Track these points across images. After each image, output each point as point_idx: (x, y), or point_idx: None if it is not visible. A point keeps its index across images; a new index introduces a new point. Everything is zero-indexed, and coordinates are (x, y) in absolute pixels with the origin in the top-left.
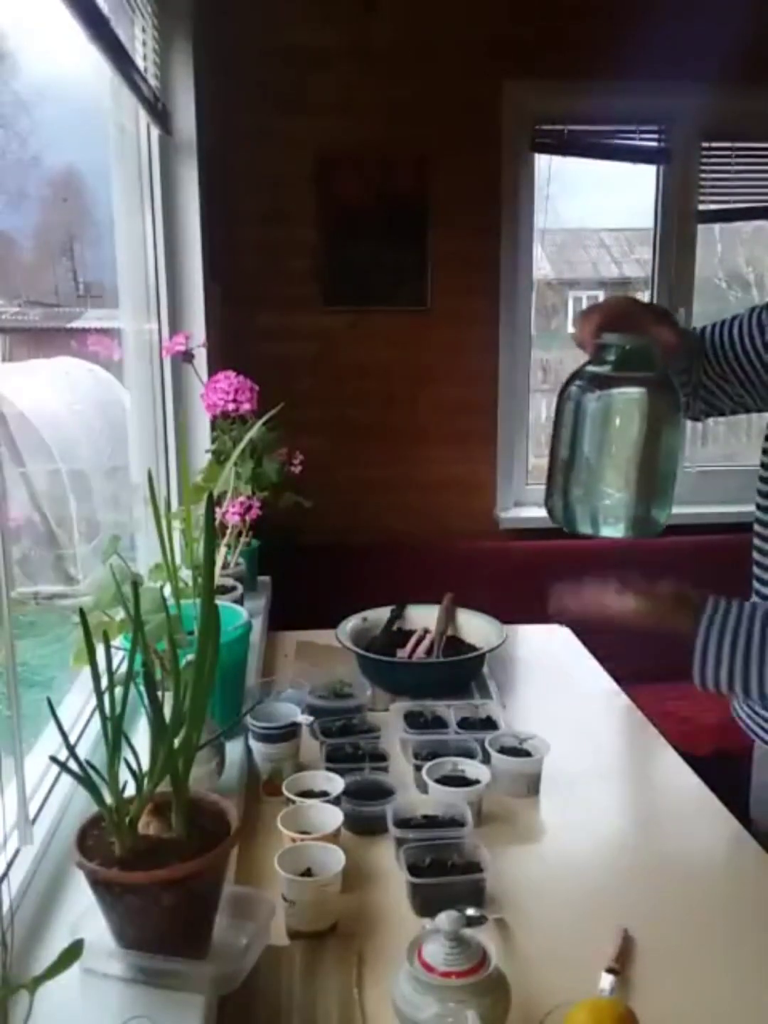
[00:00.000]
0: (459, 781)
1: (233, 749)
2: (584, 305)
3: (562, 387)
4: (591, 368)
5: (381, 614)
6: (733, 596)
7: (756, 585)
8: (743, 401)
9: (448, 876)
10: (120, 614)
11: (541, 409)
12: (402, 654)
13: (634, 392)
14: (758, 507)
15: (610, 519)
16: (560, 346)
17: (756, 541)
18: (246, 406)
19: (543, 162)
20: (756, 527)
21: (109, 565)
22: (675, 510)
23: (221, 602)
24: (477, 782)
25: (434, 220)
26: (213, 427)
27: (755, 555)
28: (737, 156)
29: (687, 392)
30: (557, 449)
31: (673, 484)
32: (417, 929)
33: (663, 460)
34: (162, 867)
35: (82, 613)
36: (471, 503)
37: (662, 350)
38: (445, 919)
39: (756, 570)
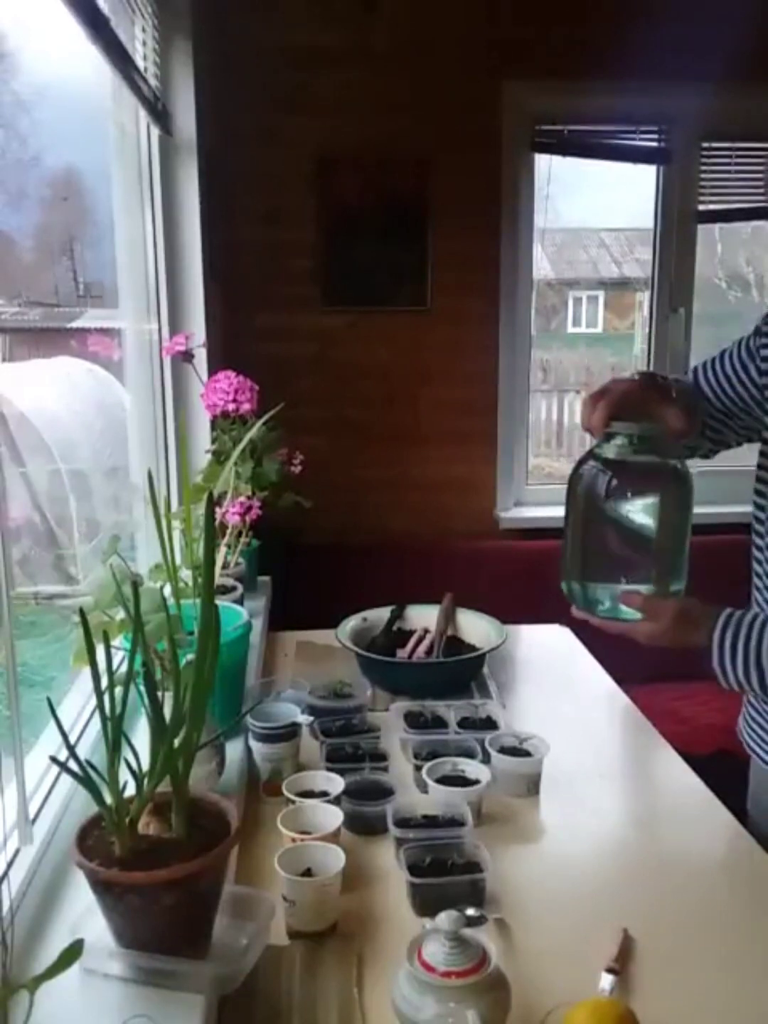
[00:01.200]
0: (459, 781)
1: (233, 749)
2: (584, 304)
3: (575, 467)
4: (603, 452)
5: (381, 614)
6: (733, 598)
7: (756, 584)
8: (748, 432)
9: (448, 876)
10: (120, 614)
11: (541, 409)
12: (402, 654)
13: (649, 498)
14: (755, 511)
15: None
16: (560, 346)
17: (755, 551)
18: (246, 406)
19: (543, 162)
20: (755, 526)
21: (109, 565)
22: None
23: (221, 602)
24: (477, 782)
25: (434, 220)
26: (213, 427)
27: (755, 562)
28: (737, 156)
29: (693, 435)
30: (573, 533)
31: (687, 558)
32: (417, 929)
33: (677, 541)
34: (162, 867)
35: (82, 613)
36: (471, 503)
37: (671, 434)
38: (445, 919)
39: (756, 581)
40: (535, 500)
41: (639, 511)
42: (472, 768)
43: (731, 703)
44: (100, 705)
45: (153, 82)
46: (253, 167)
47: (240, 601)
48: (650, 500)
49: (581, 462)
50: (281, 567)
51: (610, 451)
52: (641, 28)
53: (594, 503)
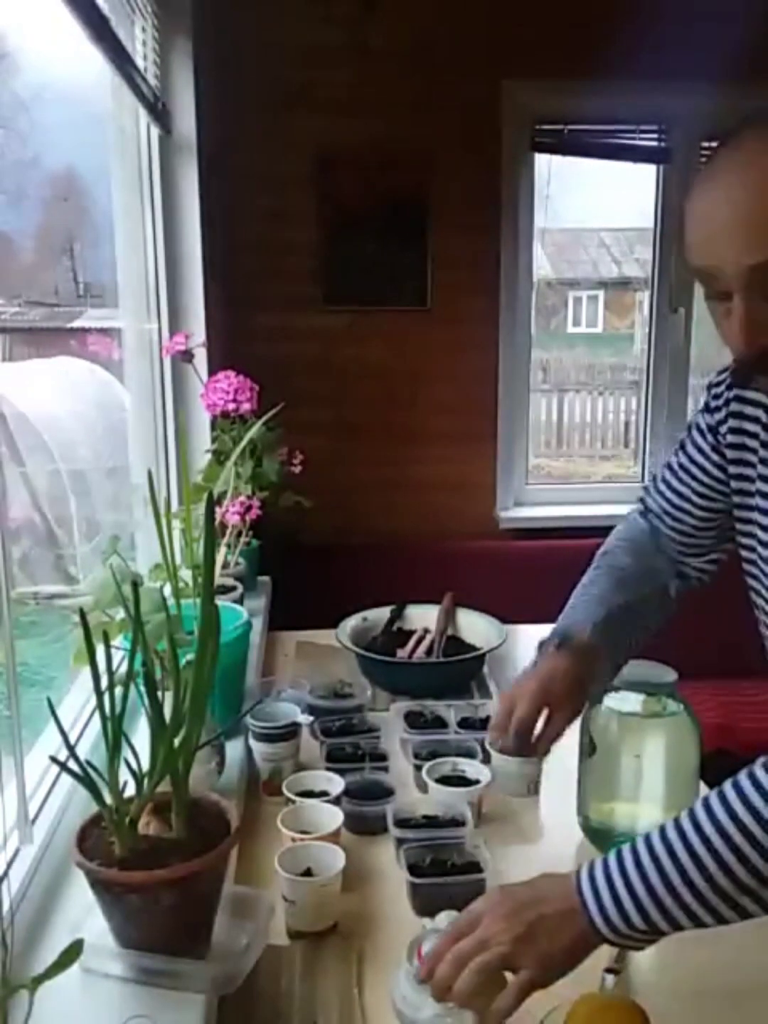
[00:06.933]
0: (459, 781)
1: (233, 749)
2: (584, 304)
3: (587, 708)
4: (614, 703)
5: (381, 614)
6: (733, 599)
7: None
8: (735, 530)
9: (448, 876)
10: (120, 614)
11: (541, 409)
12: (402, 654)
13: (658, 743)
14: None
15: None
16: (560, 346)
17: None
18: (246, 406)
19: (543, 162)
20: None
21: (109, 565)
22: None
23: (221, 602)
24: (477, 782)
25: (434, 220)
26: (213, 427)
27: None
28: None
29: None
30: (590, 769)
31: (697, 788)
32: (417, 929)
33: (687, 774)
34: (162, 867)
35: (82, 613)
36: (471, 503)
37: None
38: (445, 919)
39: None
40: (535, 500)
41: (652, 767)
42: (472, 768)
43: (731, 703)
44: (100, 705)
45: (153, 82)
46: (253, 167)
47: (240, 601)
48: (662, 758)
49: (594, 701)
50: (281, 567)
51: (621, 701)
52: (641, 28)
53: (609, 752)
